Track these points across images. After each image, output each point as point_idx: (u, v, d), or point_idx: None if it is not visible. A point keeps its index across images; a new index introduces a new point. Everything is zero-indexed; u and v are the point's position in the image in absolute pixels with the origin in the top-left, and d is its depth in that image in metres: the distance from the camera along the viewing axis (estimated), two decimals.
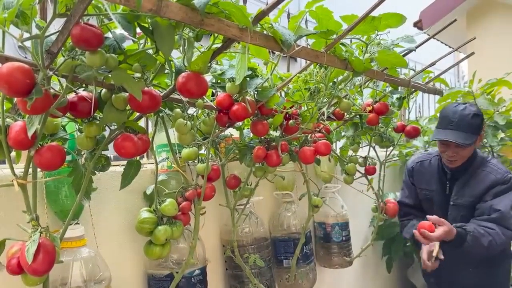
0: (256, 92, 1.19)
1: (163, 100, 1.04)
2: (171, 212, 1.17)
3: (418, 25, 4.36)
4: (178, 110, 1.11)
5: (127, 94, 0.86)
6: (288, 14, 1.78)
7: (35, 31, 0.76)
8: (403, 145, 2.81)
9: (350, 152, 1.89)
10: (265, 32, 0.94)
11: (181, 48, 0.90)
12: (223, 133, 1.37)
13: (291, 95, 1.37)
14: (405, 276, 2.90)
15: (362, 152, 1.93)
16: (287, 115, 1.34)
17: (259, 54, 1.11)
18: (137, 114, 1.03)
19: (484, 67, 2.92)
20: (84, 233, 1.08)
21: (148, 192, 1.29)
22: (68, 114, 0.88)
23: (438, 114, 1.99)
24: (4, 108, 0.82)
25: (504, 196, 1.78)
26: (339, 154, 1.88)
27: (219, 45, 0.95)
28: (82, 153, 0.99)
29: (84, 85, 0.90)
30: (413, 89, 1.67)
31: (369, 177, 1.87)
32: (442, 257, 1.75)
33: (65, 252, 1.03)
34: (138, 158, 1.05)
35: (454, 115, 1.77)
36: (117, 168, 1.27)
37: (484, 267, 1.88)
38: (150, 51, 0.89)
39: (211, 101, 1.20)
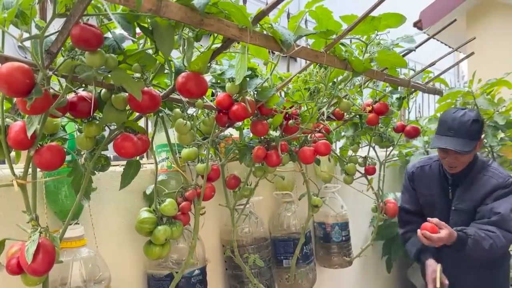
0: (256, 92, 1.19)
1: (163, 100, 1.04)
2: (170, 212, 1.17)
3: (418, 25, 4.36)
4: (177, 110, 1.11)
5: (127, 94, 0.86)
6: (288, 14, 1.78)
7: (34, 31, 0.76)
8: (403, 145, 2.81)
9: (350, 152, 1.89)
10: (264, 32, 0.94)
11: (180, 48, 0.90)
12: (223, 133, 1.37)
13: (291, 95, 1.37)
14: (405, 276, 2.90)
15: (362, 152, 1.93)
16: (287, 115, 1.34)
17: (259, 54, 1.11)
18: (137, 114, 1.03)
19: (484, 67, 2.92)
20: (84, 233, 1.08)
21: (148, 192, 1.29)
22: (67, 114, 0.88)
23: (438, 118, 1.98)
24: (4, 108, 0.82)
25: (505, 199, 1.77)
26: (339, 154, 1.88)
27: (218, 45, 0.95)
28: (82, 153, 0.99)
29: (83, 85, 0.90)
30: (413, 89, 1.67)
31: (369, 177, 1.87)
32: (446, 282, 1.75)
33: (65, 252, 1.03)
34: (137, 158, 1.05)
35: (453, 122, 1.76)
36: (117, 168, 1.27)
37: (485, 270, 1.88)
38: (150, 51, 0.89)
39: (211, 101, 1.20)
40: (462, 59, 1.88)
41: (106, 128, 0.96)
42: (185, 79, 0.89)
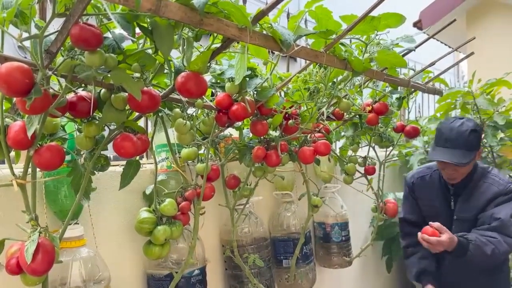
0: (255, 92, 1.19)
1: (163, 100, 1.03)
2: (170, 212, 1.17)
3: (417, 25, 4.36)
4: (177, 110, 1.11)
5: (127, 94, 0.86)
6: (288, 14, 1.78)
7: (34, 31, 0.76)
8: (402, 145, 2.81)
9: (350, 152, 1.89)
10: (264, 32, 0.94)
11: (180, 48, 0.90)
12: (222, 133, 1.37)
13: (290, 95, 1.37)
14: (405, 276, 2.90)
15: (362, 152, 1.93)
16: (287, 115, 1.34)
17: (259, 54, 1.11)
18: (137, 114, 1.03)
19: (483, 67, 2.92)
20: (84, 233, 1.08)
21: (148, 192, 1.29)
22: (67, 114, 0.88)
23: (436, 128, 1.96)
24: (3, 108, 0.82)
25: (505, 205, 1.76)
26: (338, 154, 1.88)
27: (218, 45, 0.95)
28: (82, 153, 0.99)
29: (83, 85, 0.90)
30: (413, 89, 1.67)
31: (369, 177, 1.87)
32: None
33: (65, 252, 1.03)
34: (137, 158, 1.05)
35: (450, 132, 1.75)
36: (117, 168, 1.27)
37: (486, 276, 1.85)
38: (149, 51, 0.89)
39: (211, 101, 1.20)
40: (462, 59, 1.88)
41: (106, 128, 0.96)
42: (184, 79, 0.89)
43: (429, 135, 2.72)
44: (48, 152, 0.82)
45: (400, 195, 2.61)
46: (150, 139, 1.04)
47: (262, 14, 0.87)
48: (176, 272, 1.24)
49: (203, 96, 1.10)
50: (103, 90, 0.91)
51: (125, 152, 0.90)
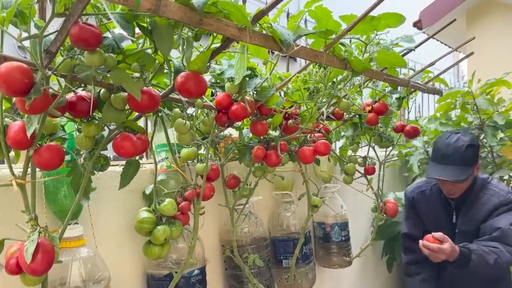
0: (255, 92, 1.19)
1: (162, 100, 1.03)
2: (170, 212, 1.17)
3: (417, 25, 4.36)
4: (177, 109, 1.11)
5: (126, 93, 0.86)
6: (288, 14, 1.78)
7: (33, 30, 0.75)
8: (402, 145, 2.81)
9: (350, 152, 1.89)
10: (264, 31, 0.94)
11: (180, 47, 0.90)
12: (222, 133, 1.37)
13: (290, 95, 1.37)
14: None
15: (362, 152, 1.93)
16: (287, 115, 1.34)
17: (258, 54, 1.11)
18: (136, 113, 1.03)
19: (483, 67, 2.92)
20: (83, 233, 1.08)
21: (147, 192, 1.29)
22: (67, 114, 0.88)
23: (432, 144, 1.94)
24: (3, 107, 0.82)
25: (505, 214, 1.76)
26: (338, 154, 1.88)
27: (218, 45, 0.95)
28: (81, 153, 0.99)
29: (83, 85, 0.90)
30: (413, 89, 1.67)
31: (369, 177, 1.87)
32: None
33: (64, 252, 1.03)
34: (137, 158, 1.05)
35: (447, 148, 1.74)
36: (116, 168, 1.27)
37: (488, 285, 1.86)
38: (149, 51, 0.88)
39: (210, 101, 1.20)
40: (462, 59, 1.88)
41: (106, 127, 0.96)
42: (184, 79, 0.88)
43: (429, 135, 2.72)
44: (47, 152, 0.82)
45: (400, 194, 2.62)
46: (149, 139, 1.04)
47: (261, 14, 0.87)
48: (176, 272, 1.24)
49: (203, 96, 1.10)
50: (102, 90, 0.91)
51: (125, 152, 0.90)
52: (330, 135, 1.56)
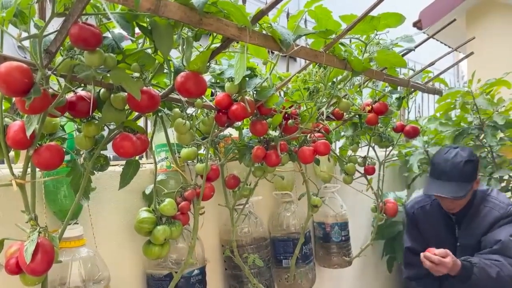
0: (255, 92, 1.18)
1: (162, 100, 1.03)
2: (170, 212, 1.17)
3: (417, 25, 4.36)
4: (177, 109, 1.11)
5: (126, 93, 0.86)
6: (287, 14, 1.78)
7: (33, 30, 0.75)
8: (402, 145, 2.81)
9: (349, 152, 1.89)
10: (264, 31, 0.94)
11: (180, 47, 0.90)
12: (222, 133, 1.37)
13: (290, 95, 1.37)
14: None
15: (362, 152, 1.92)
16: (286, 115, 1.34)
17: (258, 54, 1.11)
18: (136, 113, 1.03)
19: (483, 67, 2.92)
20: (83, 233, 1.08)
21: (147, 192, 1.29)
22: (66, 114, 0.88)
23: (430, 160, 1.92)
24: (3, 107, 0.82)
25: (505, 226, 1.75)
26: (338, 154, 1.88)
27: (218, 45, 0.95)
28: (81, 152, 0.99)
29: (82, 85, 0.90)
30: (413, 89, 1.67)
31: (369, 177, 1.87)
32: None
33: (64, 252, 1.03)
34: (137, 157, 1.05)
35: (445, 164, 1.73)
36: (116, 168, 1.27)
37: None
38: (149, 51, 0.88)
39: (210, 100, 1.20)
40: (462, 59, 1.88)
41: (105, 127, 0.96)
42: (184, 79, 0.88)
43: (429, 135, 2.72)
44: (47, 152, 0.82)
45: (400, 194, 2.62)
46: (149, 139, 1.04)
47: (261, 13, 0.87)
48: (176, 272, 1.24)
49: (203, 96, 1.10)
50: (102, 90, 0.90)
51: (125, 152, 0.89)
52: (330, 135, 1.56)
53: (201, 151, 1.33)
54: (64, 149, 0.87)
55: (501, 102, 2.34)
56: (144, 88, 0.86)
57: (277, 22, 0.97)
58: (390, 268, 2.64)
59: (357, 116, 1.72)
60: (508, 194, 2.42)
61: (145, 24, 0.82)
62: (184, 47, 0.88)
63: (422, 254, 1.69)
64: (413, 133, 1.79)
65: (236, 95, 1.15)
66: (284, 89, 1.41)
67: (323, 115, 1.36)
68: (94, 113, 0.91)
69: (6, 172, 0.91)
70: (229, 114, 1.14)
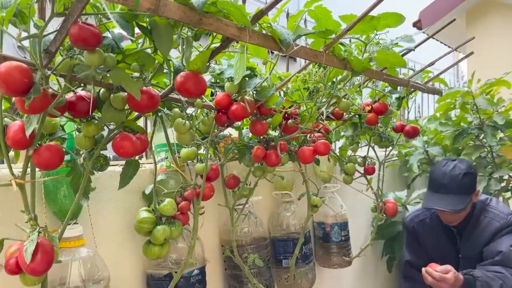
0: (255, 92, 1.18)
1: (162, 100, 1.03)
2: (170, 212, 1.17)
3: (417, 25, 4.36)
4: (176, 109, 1.11)
5: (126, 93, 0.86)
6: (287, 14, 1.78)
7: (33, 30, 0.75)
8: (402, 145, 2.81)
9: (349, 152, 1.89)
10: (263, 31, 0.94)
11: (179, 47, 0.90)
12: (222, 133, 1.37)
13: (290, 95, 1.37)
14: None
15: (361, 152, 1.92)
16: (286, 115, 1.34)
17: (258, 54, 1.11)
18: (136, 113, 1.03)
19: (483, 67, 2.92)
20: (83, 232, 1.08)
21: (147, 192, 1.29)
22: (66, 114, 0.88)
23: (429, 173, 1.90)
24: (2, 107, 0.82)
25: (505, 237, 1.75)
26: (338, 154, 1.88)
27: (217, 45, 0.95)
28: (81, 152, 0.99)
29: (82, 85, 0.90)
30: (412, 89, 1.67)
31: (368, 177, 1.87)
32: None
33: (64, 251, 1.03)
34: (137, 157, 1.05)
35: (443, 177, 1.73)
36: (116, 168, 1.27)
37: None
38: (149, 51, 0.88)
39: (210, 100, 1.20)
40: (462, 59, 1.88)
41: (105, 127, 0.95)
42: (184, 79, 0.88)
43: (429, 135, 2.72)
44: (47, 152, 0.82)
45: (400, 194, 2.62)
46: (149, 139, 1.04)
47: (261, 13, 0.87)
48: (176, 272, 1.24)
49: (203, 96, 1.09)
50: (102, 90, 0.90)
51: (124, 151, 0.89)
52: (330, 135, 1.56)
53: (201, 151, 1.33)
54: (64, 149, 0.87)
55: (501, 102, 2.34)
56: (144, 88, 0.86)
57: (277, 22, 0.97)
58: (390, 268, 2.64)
59: (357, 116, 1.72)
60: (508, 194, 2.42)
61: (144, 24, 0.82)
62: (184, 47, 0.88)
63: (423, 269, 1.68)
64: (413, 133, 1.79)
65: (236, 95, 1.15)
66: (284, 89, 1.41)
67: (323, 115, 1.36)
68: (94, 113, 0.91)
69: (5, 172, 0.91)
70: (229, 114, 1.14)
